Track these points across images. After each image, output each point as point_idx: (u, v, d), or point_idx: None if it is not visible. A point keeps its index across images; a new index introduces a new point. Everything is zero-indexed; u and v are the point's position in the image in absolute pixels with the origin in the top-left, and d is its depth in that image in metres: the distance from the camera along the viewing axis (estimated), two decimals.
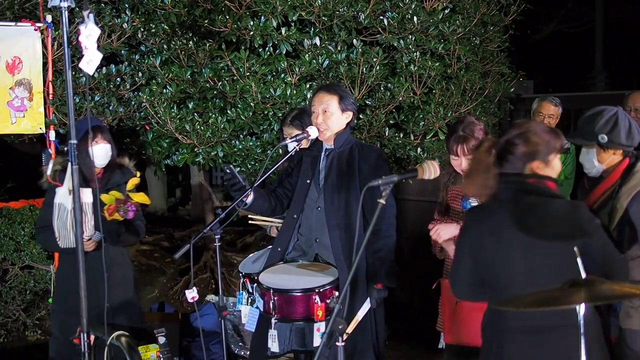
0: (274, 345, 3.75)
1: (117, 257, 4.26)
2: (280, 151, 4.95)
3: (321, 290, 3.57)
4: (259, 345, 3.89)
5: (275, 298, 3.60)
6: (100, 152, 4.15)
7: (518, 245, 2.85)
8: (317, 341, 3.67)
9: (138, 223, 4.34)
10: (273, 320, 3.67)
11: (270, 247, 4.13)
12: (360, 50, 5.13)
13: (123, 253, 4.33)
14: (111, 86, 5.27)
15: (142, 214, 4.47)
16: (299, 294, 3.58)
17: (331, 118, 3.88)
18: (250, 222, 4.48)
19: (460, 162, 3.91)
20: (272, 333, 3.72)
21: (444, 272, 4.28)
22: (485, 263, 2.93)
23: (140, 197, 4.26)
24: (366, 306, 3.65)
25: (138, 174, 4.20)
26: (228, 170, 3.74)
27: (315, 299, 3.55)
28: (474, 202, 3.93)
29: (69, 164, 3.83)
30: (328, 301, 3.57)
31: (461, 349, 3.95)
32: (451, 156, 3.97)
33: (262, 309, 3.77)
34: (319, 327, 3.64)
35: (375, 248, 3.78)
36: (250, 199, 3.76)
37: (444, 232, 3.90)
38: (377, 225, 3.69)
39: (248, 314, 4.10)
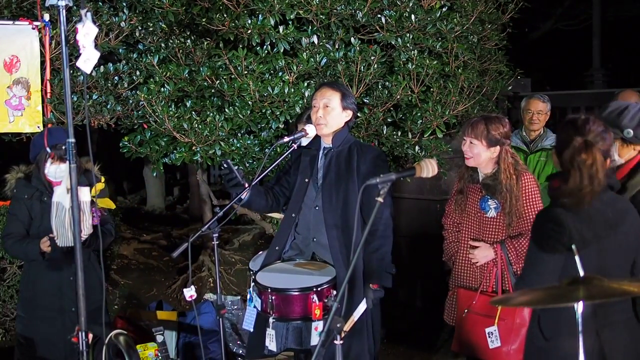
0: (271, 345, 3.75)
1: (84, 262, 4.22)
2: (279, 149, 4.95)
3: (319, 289, 3.57)
4: (256, 344, 3.89)
5: (273, 297, 3.60)
6: (51, 170, 4.11)
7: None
8: (314, 340, 3.67)
9: (107, 227, 4.26)
10: (271, 320, 3.67)
11: None
12: (358, 48, 5.13)
13: (91, 258, 4.23)
14: (109, 85, 5.26)
15: (111, 217, 4.45)
16: (296, 293, 3.58)
17: (331, 114, 3.88)
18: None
19: (465, 144, 4.01)
20: (270, 332, 3.72)
21: (451, 281, 4.30)
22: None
23: (105, 202, 4.22)
24: (362, 307, 3.65)
25: (103, 179, 4.12)
26: (225, 165, 3.74)
27: (313, 298, 3.54)
28: (492, 204, 3.96)
29: (65, 163, 3.87)
30: (326, 300, 3.57)
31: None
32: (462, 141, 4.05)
33: (259, 309, 3.77)
34: (317, 326, 3.64)
35: (372, 248, 3.78)
36: (246, 195, 3.77)
37: (482, 257, 3.99)
38: (374, 226, 3.68)
39: (247, 313, 4.10)
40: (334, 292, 3.61)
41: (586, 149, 2.84)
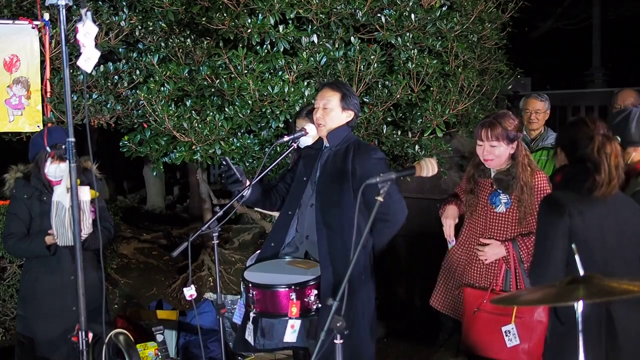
0: (250, 338, 3.76)
1: (84, 261, 4.21)
2: (278, 149, 4.95)
3: (298, 287, 3.57)
4: (242, 338, 3.90)
5: (254, 292, 3.62)
6: (51, 169, 4.11)
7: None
8: (288, 337, 3.66)
9: (106, 225, 4.24)
10: (251, 314, 3.69)
11: None
12: (357, 47, 5.13)
13: (91, 257, 4.21)
14: (109, 84, 5.26)
15: (111, 216, 4.43)
16: (276, 290, 3.58)
17: (330, 114, 3.87)
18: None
19: (484, 149, 3.93)
20: (250, 326, 3.73)
21: (446, 274, 4.28)
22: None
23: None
24: None
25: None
26: (224, 163, 3.76)
27: (291, 295, 3.55)
28: (503, 199, 3.94)
29: (65, 163, 3.88)
30: (306, 299, 3.57)
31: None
32: (477, 142, 3.99)
33: (244, 303, 3.80)
34: (293, 324, 3.64)
35: (379, 230, 3.84)
36: (247, 192, 3.77)
37: (492, 255, 3.97)
38: (385, 216, 3.73)
39: (238, 307, 4.13)
40: (316, 292, 3.61)
41: (609, 141, 2.96)
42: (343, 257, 3.65)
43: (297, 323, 3.62)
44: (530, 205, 3.87)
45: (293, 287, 3.56)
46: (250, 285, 3.65)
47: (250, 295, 3.64)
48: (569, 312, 2.97)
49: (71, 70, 4.91)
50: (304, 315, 3.59)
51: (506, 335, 3.78)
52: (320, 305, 3.59)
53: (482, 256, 3.99)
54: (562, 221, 2.91)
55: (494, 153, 3.92)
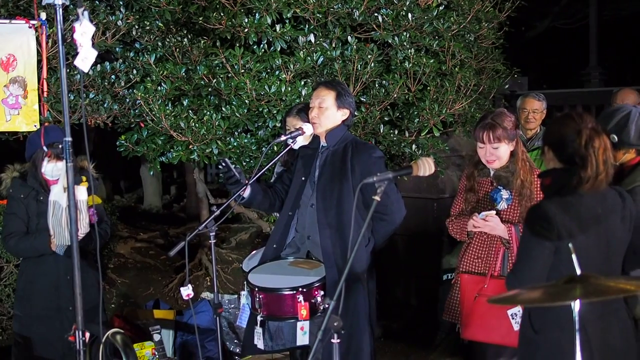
0: (259, 343, 3.75)
1: (81, 261, 4.20)
2: (275, 148, 4.95)
3: (305, 289, 3.57)
4: (249, 342, 3.91)
5: (261, 296, 3.62)
6: (48, 168, 4.13)
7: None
8: (300, 340, 3.66)
9: (102, 226, 4.26)
10: (259, 318, 3.69)
11: None
12: (354, 47, 5.13)
13: (88, 256, 4.21)
14: (105, 83, 5.25)
15: (108, 216, 4.42)
16: (283, 293, 3.59)
17: (325, 113, 3.87)
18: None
19: (486, 151, 3.92)
20: (258, 330, 3.73)
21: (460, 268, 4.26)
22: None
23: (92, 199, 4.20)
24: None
25: (84, 178, 4.08)
26: (223, 164, 3.75)
27: (298, 298, 3.55)
28: (505, 195, 3.93)
29: (62, 162, 3.87)
30: (313, 300, 3.58)
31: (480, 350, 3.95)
32: (477, 144, 3.98)
33: (250, 307, 3.79)
34: (303, 326, 3.64)
35: (376, 230, 3.87)
36: (247, 193, 3.78)
37: (488, 226, 3.88)
38: (384, 215, 3.76)
39: (241, 310, 4.12)
40: (322, 293, 3.61)
41: (597, 135, 2.88)
42: (347, 256, 3.65)
43: (306, 325, 3.63)
44: (531, 199, 3.87)
45: (300, 290, 3.57)
46: (256, 289, 3.64)
47: (257, 299, 3.63)
48: (543, 322, 2.95)
49: (68, 70, 4.90)
50: (312, 316, 3.60)
51: (512, 319, 3.71)
52: (327, 306, 3.60)
53: (479, 224, 3.92)
54: (550, 242, 2.85)
55: (497, 154, 3.92)
